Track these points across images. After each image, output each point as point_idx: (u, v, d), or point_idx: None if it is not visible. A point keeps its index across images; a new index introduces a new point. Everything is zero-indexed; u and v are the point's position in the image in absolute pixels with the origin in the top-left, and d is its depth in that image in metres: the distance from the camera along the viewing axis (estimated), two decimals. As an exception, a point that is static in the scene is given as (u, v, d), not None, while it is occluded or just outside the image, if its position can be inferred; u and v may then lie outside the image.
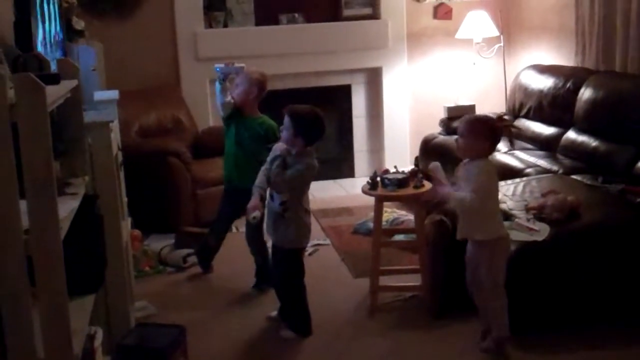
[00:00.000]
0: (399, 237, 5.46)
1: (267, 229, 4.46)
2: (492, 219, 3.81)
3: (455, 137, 4.00)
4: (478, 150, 3.74)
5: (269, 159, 4.32)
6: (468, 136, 3.74)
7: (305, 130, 4.22)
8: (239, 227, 6.28)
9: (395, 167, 4.93)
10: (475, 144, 3.72)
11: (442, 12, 7.99)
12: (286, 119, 4.25)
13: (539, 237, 4.14)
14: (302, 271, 4.43)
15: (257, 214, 4.27)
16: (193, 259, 5.54)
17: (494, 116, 4.91)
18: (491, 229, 3.80)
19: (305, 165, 4.22)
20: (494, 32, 7.71)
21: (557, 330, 4.15)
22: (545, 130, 6.59)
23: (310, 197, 7.32)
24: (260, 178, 4.32)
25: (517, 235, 4.19)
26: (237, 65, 5.11)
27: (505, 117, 5.18)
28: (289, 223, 4.28)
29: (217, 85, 5.02)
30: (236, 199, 4.87)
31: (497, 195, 3.90)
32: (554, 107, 6.52)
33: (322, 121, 4.32)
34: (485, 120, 3.84)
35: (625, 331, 4.16)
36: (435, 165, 4.05)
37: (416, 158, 7.50)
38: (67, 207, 2.64)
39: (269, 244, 4.60)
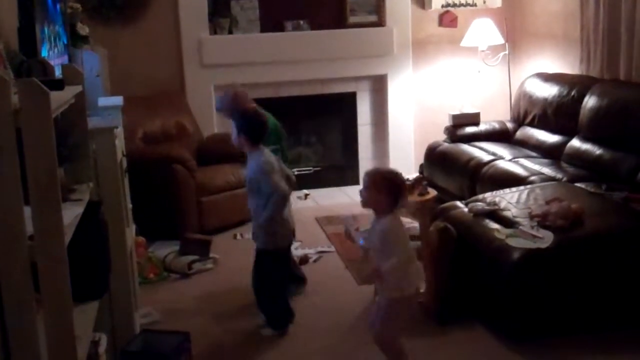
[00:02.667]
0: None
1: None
2: (398, 278, 3.58)
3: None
4: (380, 204, 3.62)
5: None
6: (370, 189, 3.64)
7: (246, 128, 4.39)
8: (244, 234, 6.30)
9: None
10: (376, 197, 3.61)
11: (447, 20, 8.00)
12: (233, 121, 4.49)
13: (543, 244, 4.15)
14: (276, 274, 4.52)
15: None
16: (197, 265, 5.54)
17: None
18: (395, 286, 3.60)
19: (257, 166, 4.35)
20: (499, 40, 7.71)
21: (560, 337, 4.16)
22: (549, 138, 6.60)
23: (314, 204, 7.39)
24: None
25: (520, 243, 4.20)
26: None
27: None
28: (259, 225, 4.42)
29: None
30: None
31: (405, 251, 3.65)
32: (559, 115, 6.53)
33: (262, 119, 4.52)
34: (386, 175, 3.70)
35: (628, 338, 4.16)
36: (346, 223, 4.02)
37: (421, 166, 7.50)
38: (71, 214, 2.65)
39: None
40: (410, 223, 5.91)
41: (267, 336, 4.44)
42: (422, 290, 4.44)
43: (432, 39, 8.02)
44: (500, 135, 7.21)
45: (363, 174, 3.74)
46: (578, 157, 6.04)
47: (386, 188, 3.58)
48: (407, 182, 4.61)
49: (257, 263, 4.54)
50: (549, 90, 6.73)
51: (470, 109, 7.59)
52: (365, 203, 3.70)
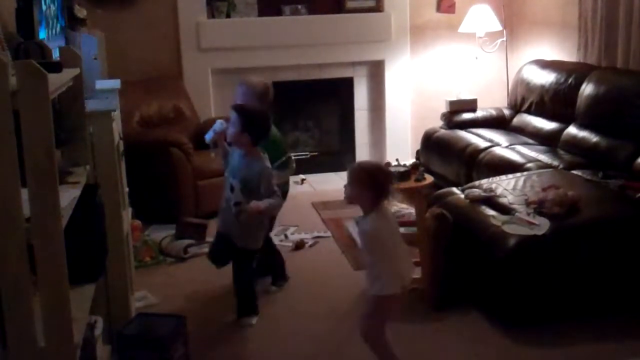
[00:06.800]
0: (400, 230, 5.46)
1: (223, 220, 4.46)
2: (382, 276, 3.46)
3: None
4: (363, 200, 3.49)
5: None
6: (352, 185, 3.51)
7: (252, 127, 4.23)
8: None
9: (396, 160, 4.93)
10: (360, 193, 3.48)
11: (445, 6, 7.98)
12: (233, 115, 4.26)
13: (539, 232, 4.16)
14: (253, 271, 4.52)
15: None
16: (194, 249, 5.54)
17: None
18: (379, 285, 3.47)
19: (261, 169, 4.25)
20: (497, 26, 7.70)
21: (556, 324, 4.17)
22: (546, 125, 6.60)
23: (310, 189, 7.39)
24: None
25: (516, 229, 4.20)
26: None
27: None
28: (240, 226, 4.29)
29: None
30: None
31: (391, 250, 3.53)
32: (556, 102, 6.53)
33: (269, 120, 4.36)
34: (369, 170, 3.55)
35: (624, 324, 4.17)
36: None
37: (417, 152, 7.50)
38: (68, 196, 2.64)
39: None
40: (407, 209, 5.93)
41: (250, 325, 4.41)
42: (416, 278, 4.45)
43: (430, 24, 8.00)
44: (497, 122, 7.21)
45: (347, 169, 3.60)
46: (575, 145, 6.04)
47: (369, 184, 3.45)
48: (403, 169, 4.63)
49: (241, 262, 4.47)
50: (546, 77, 6.73)
51: (467, 96, 7.59)
52: (348, 199, 3.58)
